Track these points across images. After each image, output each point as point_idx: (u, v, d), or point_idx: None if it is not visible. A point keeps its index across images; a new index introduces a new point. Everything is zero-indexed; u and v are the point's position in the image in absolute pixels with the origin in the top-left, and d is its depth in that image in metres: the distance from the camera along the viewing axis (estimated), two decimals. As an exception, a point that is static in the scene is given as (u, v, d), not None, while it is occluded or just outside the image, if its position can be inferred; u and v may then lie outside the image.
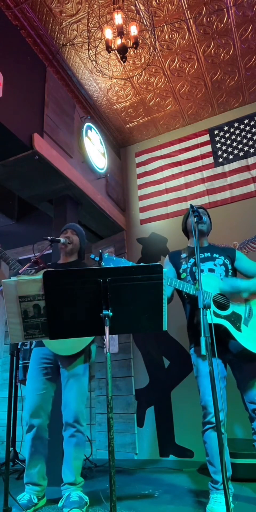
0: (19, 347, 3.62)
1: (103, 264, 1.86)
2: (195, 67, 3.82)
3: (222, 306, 2.08)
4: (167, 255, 2.42)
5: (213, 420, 1.89)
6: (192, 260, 2.26)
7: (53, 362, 2.26)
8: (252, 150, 4.16)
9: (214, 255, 2.29)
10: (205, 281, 2.07)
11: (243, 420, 2.15)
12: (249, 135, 4.23)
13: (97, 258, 1.89)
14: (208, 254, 2.29)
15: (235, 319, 2.05)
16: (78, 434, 2.12)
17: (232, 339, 2.02)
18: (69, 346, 2.17)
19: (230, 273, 2.24)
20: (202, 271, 2.18)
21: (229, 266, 2.26)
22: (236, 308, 2.10)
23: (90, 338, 2.23)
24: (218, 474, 1.92)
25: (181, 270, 2.29)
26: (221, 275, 2.19)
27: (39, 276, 1.48)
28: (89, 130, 4.02)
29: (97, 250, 4.55)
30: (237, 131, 4.30)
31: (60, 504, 2.02)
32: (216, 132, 4.42)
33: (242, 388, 2.10)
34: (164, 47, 3.59)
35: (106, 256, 1.89)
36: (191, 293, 2.03)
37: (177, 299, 2.30)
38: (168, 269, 2.30)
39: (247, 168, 4.12)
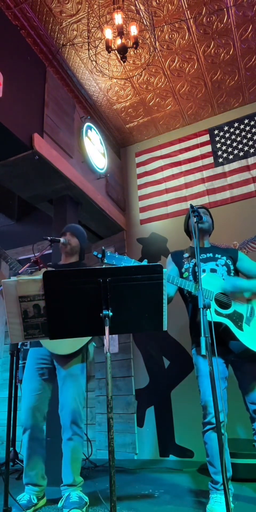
0: (19, 347, 3.62)
1: (106, 261, 1.85)
2: (195, 67, 3.82)
3: (224, 305, 2.08)
4: (170, 254, 2.42)
5: (214, 420, 1.88)
6: (194, 260, 2.26)
7: (50, 362, 2.25)
8: (252, 150, 4.16)
9: (216, 255, 2.29)
10: (207, 281, 2.07)
11: (246, 420, 2.15)
12: (249, 135, 4.22)
13: (99, 255, 1.88)
14: (210, 255, 2.29)
15: (236, 318, 2.05)
16: (75, 437, 2.10)
17: (234, 338, 2.02)
18: (66, 345, 2.15)
19: (232, 274, 2.24)
20: (204, 271, 2.19)
21: (231, 267, 2.26)
22: (238, 307, 2.09)
23: (87, 338, 2.21)
24: (219, 475, 1.92)
25: (183, 270, 2.29)
26: (223, 275, 2.19)
27: (39, 276, 1.47)
28: (89, 130, 4.02)
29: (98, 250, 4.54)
30: (237, 131, 4.30)
31: (60, 505, 2.02)
32: (216, 132, 4.42)
33: (244, 388, 2.10)
34: (164, 47, 3.59)
35: (108, 254, 1.87)
36: (192, 291, 2.03)
37: (177, 299, 2.30)
38: (171, 268, 2.31)
39: (247, 168, 4.12)
